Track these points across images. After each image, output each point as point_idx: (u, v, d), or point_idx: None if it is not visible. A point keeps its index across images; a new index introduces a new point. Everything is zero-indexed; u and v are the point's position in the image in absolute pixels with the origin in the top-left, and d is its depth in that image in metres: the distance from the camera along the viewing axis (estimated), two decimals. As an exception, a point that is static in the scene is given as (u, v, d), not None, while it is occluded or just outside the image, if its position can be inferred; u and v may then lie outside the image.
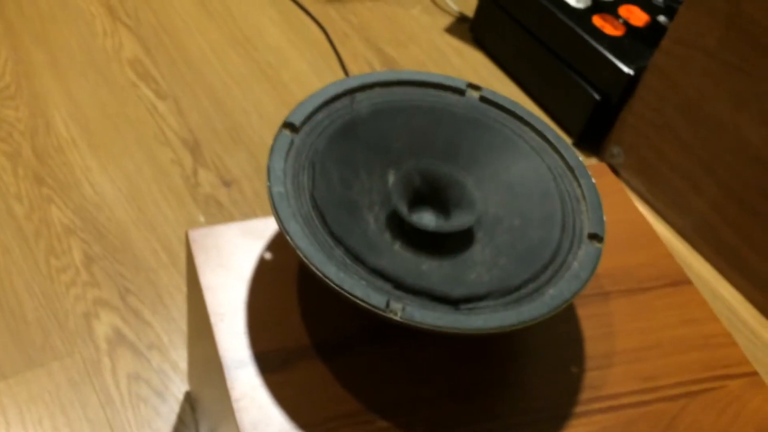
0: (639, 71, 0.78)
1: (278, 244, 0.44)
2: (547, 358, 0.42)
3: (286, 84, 0.82)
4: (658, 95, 0.77)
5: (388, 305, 0.34)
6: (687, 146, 0.76)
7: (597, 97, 0.82)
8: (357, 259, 0.36)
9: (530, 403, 0.40)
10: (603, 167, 0.55)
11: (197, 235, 0.44)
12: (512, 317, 0.35)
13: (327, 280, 0.34)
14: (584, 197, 0.42)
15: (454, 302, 0.36)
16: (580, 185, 0.42)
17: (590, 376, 0.42)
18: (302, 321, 0.41)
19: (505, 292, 0.37)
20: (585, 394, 0.41)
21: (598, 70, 0.80)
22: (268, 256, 0.43)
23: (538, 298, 0.36)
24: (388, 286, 0.35)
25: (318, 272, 0.34)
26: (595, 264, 0.38)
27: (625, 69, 0.78)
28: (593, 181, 0.42)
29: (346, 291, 0.34)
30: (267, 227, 0.45)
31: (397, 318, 0.34)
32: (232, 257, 0.43)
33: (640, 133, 0.80)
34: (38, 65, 0.76)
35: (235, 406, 0.37)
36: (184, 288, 0.63)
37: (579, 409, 0.40)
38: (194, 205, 0.69)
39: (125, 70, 0.79)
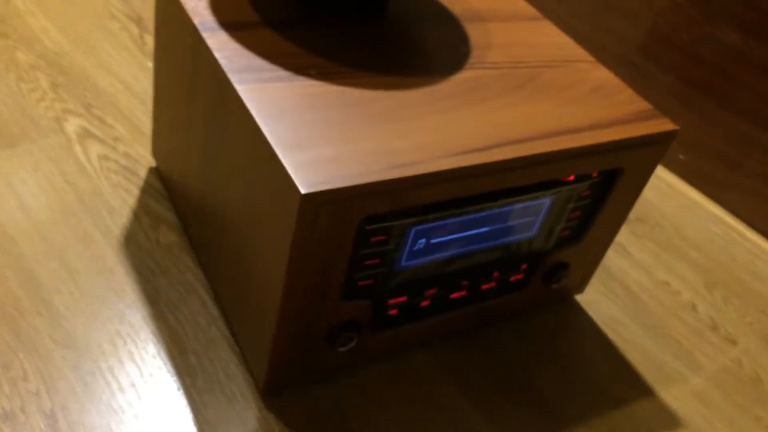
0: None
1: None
2: (442, 43, 0.56)
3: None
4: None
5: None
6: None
7: None
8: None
9: (426, 66, 0.53)
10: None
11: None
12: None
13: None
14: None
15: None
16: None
17: (474, 54, 0.56)
18: (254, 10, 0.53)
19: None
20: (470, 62, 0.54)
21: None
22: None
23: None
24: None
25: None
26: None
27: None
28: None
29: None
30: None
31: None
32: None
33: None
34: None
35: (213, 48, 0.47)
36: (144, 107, 0.72)
37: (466, 68, 0.53)
38: (143, 57, 0.79)
39: (71, -28, 0.90)
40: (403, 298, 0.52)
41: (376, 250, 0.47)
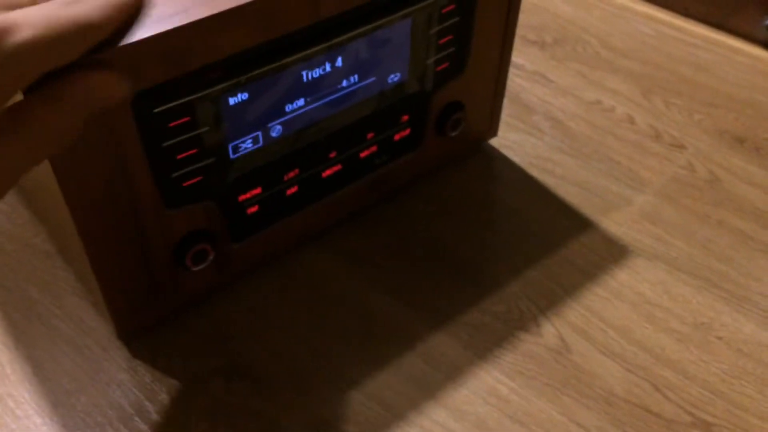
0: None
1: None
2: None
3: None
4: None
5: None
6: None
7: None
8: None
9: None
10: None
11: None
12: None
13: None
14: None
15: None
16: None
17: None
18: None
19: None
20: None
21: None
22: None
23: None
24: None
25: None
26: None
27: None
28: None
29: None
30: None
31: None
32: None
33: None
34: None
35: None
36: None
37: None
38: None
39: None
40: (257, 191, 0.43)
41: (186, 138, 0.37)
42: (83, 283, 0.46)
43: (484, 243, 0.50)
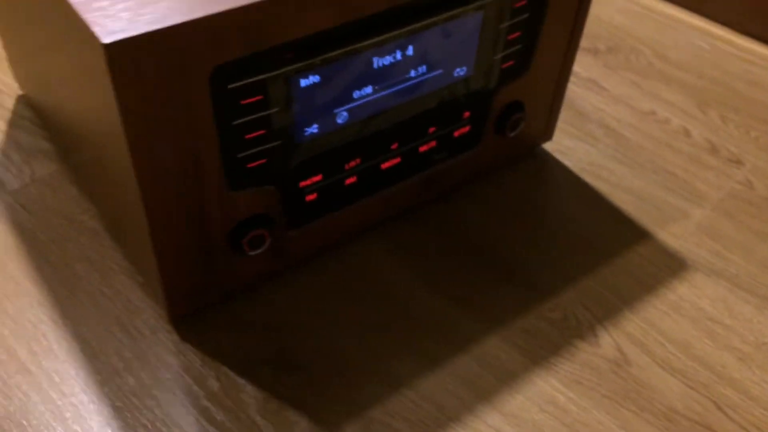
0: None
1: None
2: None
3: None
4: None
5: None
6: None
7: None
8: None
9: None
10: None
11: None
12: None
13: None
14: None
15: None
16: None
17: None
18: None
19: None
20: None
21: None
22: None
23: None
24: None
25: None
26: None
27: None
28: None
29: None
30: None
31: None
32: None
33: None
34: None
35: None
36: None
37: None
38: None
39: None
40: (317, 178, 0.42)
41: (256, 117, 0.36)
42: (132, 263, 0.45)
43: (537, 247, 0.49)
